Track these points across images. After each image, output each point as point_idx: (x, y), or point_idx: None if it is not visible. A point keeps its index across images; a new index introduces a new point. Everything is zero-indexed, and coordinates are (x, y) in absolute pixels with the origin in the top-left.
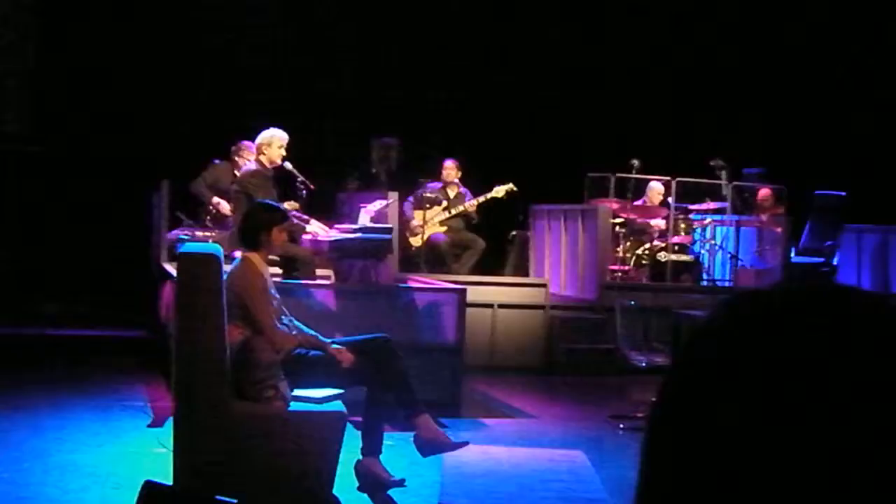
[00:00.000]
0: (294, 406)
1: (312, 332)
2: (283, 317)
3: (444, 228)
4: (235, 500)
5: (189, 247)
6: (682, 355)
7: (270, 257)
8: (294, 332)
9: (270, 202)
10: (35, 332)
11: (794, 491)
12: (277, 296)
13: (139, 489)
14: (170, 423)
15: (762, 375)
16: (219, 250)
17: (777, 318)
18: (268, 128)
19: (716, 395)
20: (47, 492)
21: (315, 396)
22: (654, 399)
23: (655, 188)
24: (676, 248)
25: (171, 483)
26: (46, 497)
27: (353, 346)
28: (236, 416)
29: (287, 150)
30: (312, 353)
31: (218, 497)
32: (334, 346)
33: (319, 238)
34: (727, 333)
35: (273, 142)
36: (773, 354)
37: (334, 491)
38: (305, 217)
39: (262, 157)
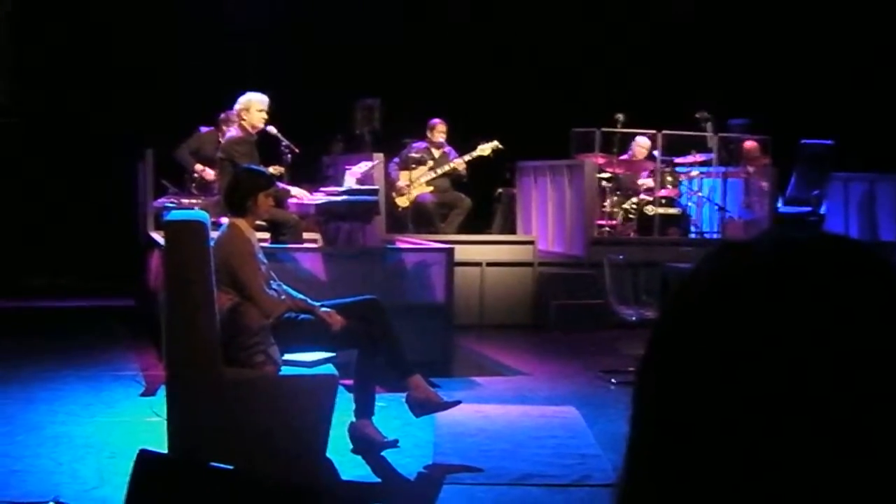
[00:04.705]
0: (285, 370)
1: (301, 296)
2: (271, 282)
3: (431, 188)
4: (230, 466)
5: (175, 214)
6: (668, 306)
7: (257, 222)
8: (283, 297)
9: (256, 167)
10: (23, 304)
11: (786, 440)
12: (265, 261)
13: (134, 458)
14: (162, 391)
15: (750, 323)
16: (205, 217)
17: (763, 266)
18: (250, 92)
19: (704, 344)
20: (42, 464)
21: (306, 360)
22: (643, 352)
23: (641, 143)
24: (663, 201)
25: (165, 451)
26: (41, 469)
27: (342, 309)
28: (228, 383)
29: (270, 113)
30: (302, 317)
31: (213, 463)
32: (324, 309)
33: (305, 202)
34: (714, 283)
35: (251, 106)
36: (761, 302)
37: (328, 454)
38: (286, 188)
39: (243, 123)
